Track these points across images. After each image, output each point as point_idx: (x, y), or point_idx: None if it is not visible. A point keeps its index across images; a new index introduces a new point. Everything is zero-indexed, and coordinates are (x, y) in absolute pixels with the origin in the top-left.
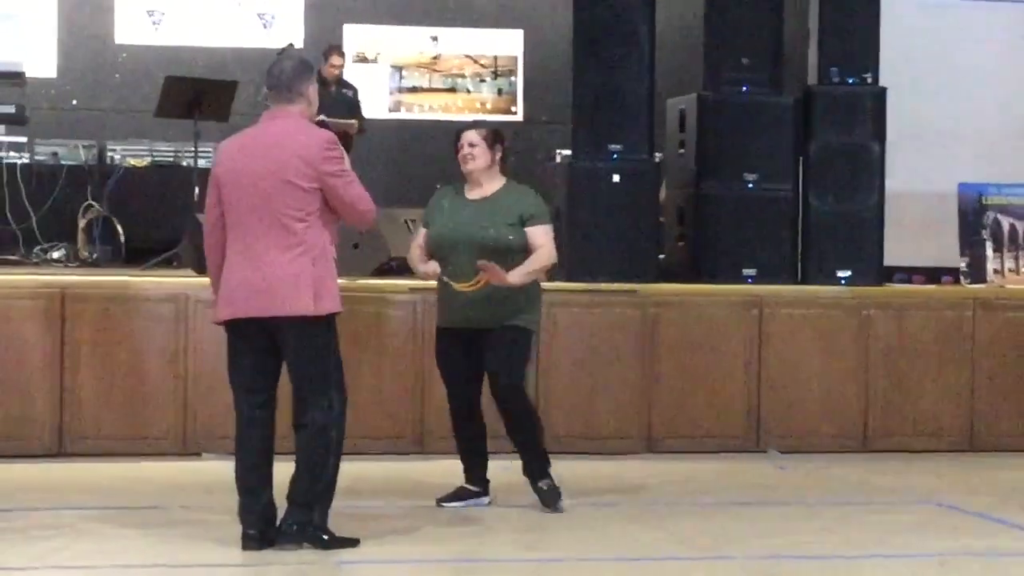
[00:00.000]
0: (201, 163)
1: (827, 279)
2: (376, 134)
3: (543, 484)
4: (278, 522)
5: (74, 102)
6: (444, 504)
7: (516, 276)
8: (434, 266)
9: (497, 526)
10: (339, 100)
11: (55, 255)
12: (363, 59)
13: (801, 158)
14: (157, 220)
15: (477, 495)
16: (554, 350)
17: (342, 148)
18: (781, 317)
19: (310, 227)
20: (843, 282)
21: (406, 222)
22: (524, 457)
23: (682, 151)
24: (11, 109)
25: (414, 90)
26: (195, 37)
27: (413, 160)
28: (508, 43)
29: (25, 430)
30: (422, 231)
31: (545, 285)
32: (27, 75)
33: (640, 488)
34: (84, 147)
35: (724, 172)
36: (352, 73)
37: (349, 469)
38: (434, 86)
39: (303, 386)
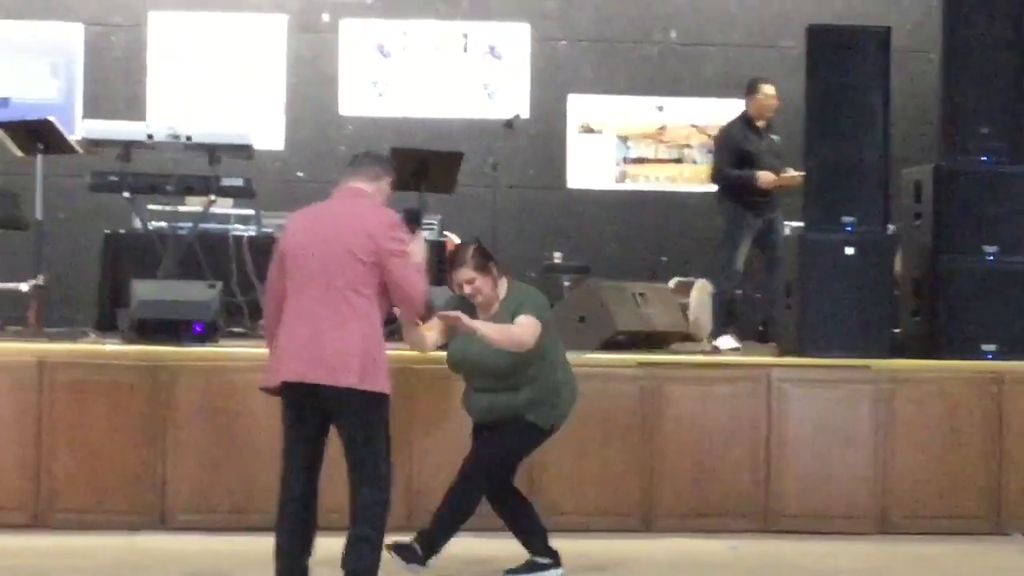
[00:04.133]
0: (426, 235)
1: None
2: (602, 206)
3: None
4: None
5: (300, 174)
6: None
7: (481, 325)
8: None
9: None
10: (772, 149)
11: None
12: (588, 130)
13: None
14: None
15: (545, 567)
16: (785, 426)
17: (408, 232)
18: (1023, 395)
19: (367, 301)
20: None
21: (633, 295)
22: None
23: (918, 223)
24: (240, 182)
25: (640, 161)
26: (419, 108)
27: (639, 232)
28: (736, 112)
29: (253, 504)
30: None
31: (774, 360)
32: (255, 148)
33: (872, 570)
34: None
35: (962, 244)
36: (578, 144)
37: (574, 547)
38: (660, 157)
39: (354, 460)
